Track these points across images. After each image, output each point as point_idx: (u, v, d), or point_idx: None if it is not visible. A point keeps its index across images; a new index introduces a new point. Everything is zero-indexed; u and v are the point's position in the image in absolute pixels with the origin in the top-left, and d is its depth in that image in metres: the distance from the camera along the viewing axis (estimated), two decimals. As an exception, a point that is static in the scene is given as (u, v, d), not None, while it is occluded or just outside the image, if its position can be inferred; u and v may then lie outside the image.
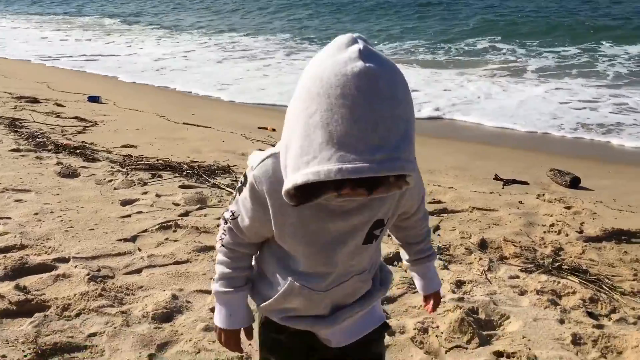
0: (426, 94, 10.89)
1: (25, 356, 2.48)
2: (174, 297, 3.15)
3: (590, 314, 3.23)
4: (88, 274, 3.29)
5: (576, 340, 2.91)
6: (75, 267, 3.42)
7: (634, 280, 3.70)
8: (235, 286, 1.58)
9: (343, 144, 1.12)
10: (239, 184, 1.47)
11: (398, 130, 1.15)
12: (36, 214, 4.27)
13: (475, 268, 3.81)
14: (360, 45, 1.16)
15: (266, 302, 1.56)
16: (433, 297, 1.83)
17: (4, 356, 2.48)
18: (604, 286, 3.55)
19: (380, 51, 1.22)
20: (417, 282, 1.83)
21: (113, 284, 3.28)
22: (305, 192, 1.22)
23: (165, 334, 2.80)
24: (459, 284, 3.53)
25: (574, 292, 3.44)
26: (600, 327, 3.06)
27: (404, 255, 1.81)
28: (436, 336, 2.88)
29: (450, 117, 9.51)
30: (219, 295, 1.60)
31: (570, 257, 4.11)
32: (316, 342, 1.62)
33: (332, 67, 1.15)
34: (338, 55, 1.17)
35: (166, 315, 2.98)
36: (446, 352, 2.77)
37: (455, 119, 9.42)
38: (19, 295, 2.99)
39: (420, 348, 2.79)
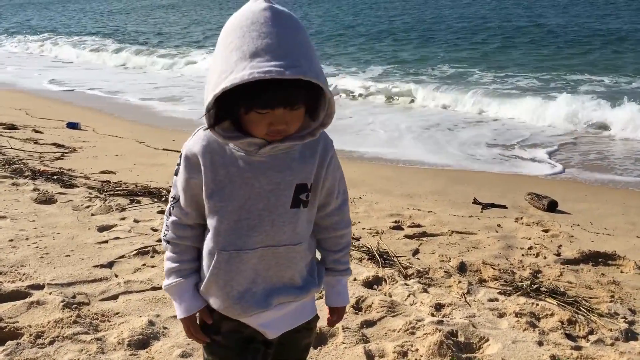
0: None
1: (-5, 385, 2.42)
2: (151, 323, 3.10)
3: (569, 336, 3.24)
4: (63, 301, 3.24)
5: (555, 362, 2.92)
6: (50, 293, 3.36)
7: (610, 301, 3.73)
8: (181, 276, 1.69)
9: (254, 56, 1.35)
10: (175, 170, 1.64)
11: (300, 51, 1.40)
12: (11, 240, 4.20)
13: (455, 291, 3.81)
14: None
15: (203, 283, 1.65)
16: (337, 311, 1.90)
17: (-27, 385, 2.41)
18: (581, 308, 3.57)
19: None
20: (325, 292, 1.89)
21: (88, 310, 3.23)
22: (230, 110, 1.45)
23: (141, 361, 2.76)
24: (438, 307, 3.53)
25: (552, 314, 3.46)
26: (578, 348, 3.07)
27: (322, 262, 1.85)
28: (416, 360, 2.87)
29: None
30: (169, 289, 1.71)
31: (549, 279, 4.13)
32: (251, 335, 1.70)
33: (242, 11, 1.43)
34: (247, 6, 1.44)
35: (142, 342, 2.93)
36: (426, 375, 2.75)
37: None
38: (-9, 322, 2.92)
39: (400, 372, 2.77)
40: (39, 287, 3.47)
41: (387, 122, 10.99)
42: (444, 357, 2.89)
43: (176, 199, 1.66)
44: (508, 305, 3.58)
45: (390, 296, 3.70)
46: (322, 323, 3.21)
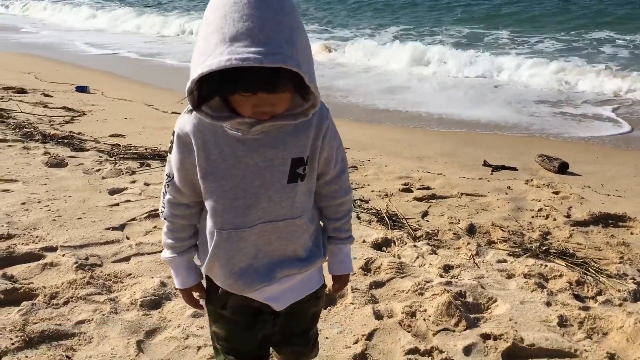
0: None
1: (13, 344, 2.47)
2: (162, 284, 3.15)
3: (577, 297, 3.26)
4: (76, 262, 3.28)
5: (562, 322, 2.94)
6: (63, 255, 3.41)
7: (620, 263, 3.73)
8: (176, 252, 1.72)
9: (233, 41, 1.29)
10: (169, 148, 1.62)
11: (283, 35, 1.32)
12: (23, 203, 4.24)
13: (464, 253, 3.83)
14: None
15: (205, 262, 1.66)
16: (340, 279, 1.89)
17: (-9, 344, 2.47)
18: (590, 269, 3.58)
19: None
20: (328, 260, 1.87)
21: (101, 272, 3.28)
22: (212, 93, 1.41)
23: (154, 321, 2.81)
24: (447, 268, 3.55)
25: (560, 275, 3.47)
26: (586, 309, 3.08)
27: (323, 229, 1.84)
28: (424, 319, 2.90)
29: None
30: (165, 260, 1.75)
31: (558, 241, 4.14)
32: (258, 308, 1.71)
33: None
34: None
35: (154, 302, 2.98)
36: (434, 335, 2.79)
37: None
38: (6, 284, 2.98)
39: (408, 331, 2.81)
40: (52, 249, 3.52)
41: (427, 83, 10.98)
42: (452, 317, 2.92)
43: (170, 177, 1.64)
44: (516, 267, 3.60)
45: (399, 258, 3.72)
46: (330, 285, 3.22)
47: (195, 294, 1.82)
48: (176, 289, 1.77)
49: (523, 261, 3.68)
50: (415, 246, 3.88)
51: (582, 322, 2.94)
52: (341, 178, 1.74)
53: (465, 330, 2.84)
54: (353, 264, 3.41)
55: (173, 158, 1.60)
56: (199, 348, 2.59)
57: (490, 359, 2.59)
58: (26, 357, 2.40)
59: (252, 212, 1.57)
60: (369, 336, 2.75)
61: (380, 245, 3.93)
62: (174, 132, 1.58)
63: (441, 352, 2.60)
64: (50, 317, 2.75)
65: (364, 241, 3.94)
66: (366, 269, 3.53)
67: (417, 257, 3.71)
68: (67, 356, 2.41)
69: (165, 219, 1.69)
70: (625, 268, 3.63)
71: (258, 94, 1.36)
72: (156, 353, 2.55)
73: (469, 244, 3.94)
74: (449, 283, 3.28)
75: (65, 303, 2.90)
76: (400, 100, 9.77)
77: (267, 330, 1.76)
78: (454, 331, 2.83)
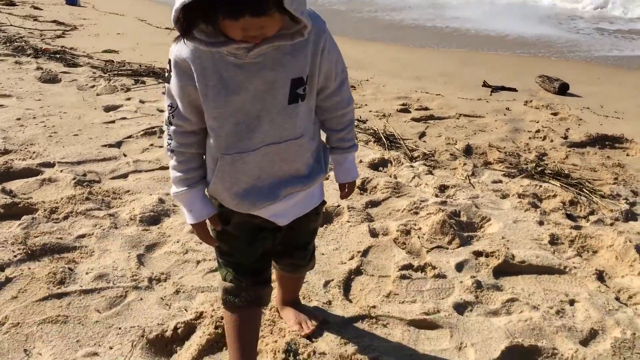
0: None
1: (15, 256, 2.52)
2: (161, 201, 3.18)
3: (569, 216, 3.31)
4: (74, 179, 3.30)
5: (554, 241, 3.00)
6: (61, 171, 3.42)
7: (614, 183, 3.77)
8: (188, 185, 1.67)
9: None
10: (166, 77, 1.58)
11: None
12: (18, 119, 4.21)
13: (459, 173, 3.85)
14: None
15: (210, 185, 1.66)
16: (347, 186, 1.92)
17: (-6, 257, 2.52)
18: (584, 189, 3.62)
19: None
20: (334, 170, 1.91)
21: (100, 188, 3.30)
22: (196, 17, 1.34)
23: (153, 236, 2.85)
24: (443, 188, 3.58)
25: (554, 196, 3.51)
26: (577, 228, 3.14)
27: (327, 141, 1.86)
28: (418, 237, 2.96)
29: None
30: (177, 196, 1.70)
31: (554, 162, 4.16)
32: (260, 224, 1.73)
33: None
34: None
35: (153, 218, 3.02)
36: (427, 252, 2.85)
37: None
38: (5, 198, 3.00)
39: (403, 248, 2.87)
40: (50, 165, 3.52)
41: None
42: (445, 235, 2.97)
43: (174, 107, 1.59)
44: (511, 187, 3.63)
45: (396, 178, 3.75)
46: (328, 203, 3.25)
47: (210, 228, 1.76)
48: (190, 225, 1.71)
49: (518, 182, 3.71)
50: (411, 166, 3.90)
51: (572, 241, 3.01)
52: (342, 90, 1.72)
53: (458, 247, 2.90)
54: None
55: (173, 87, 1.56)
56: (198, 262, 2.65)
57: (481, 274, 2.66)
58: (29, 268, 2.45)
59: (255, 136, 1.56)
60: (364, 253, 2.81)
61: (377, 165, 3.95)
62: (170, 60, 1.53)
63: (434, 268, 2.67)
64: (50, 230, 2.79)
65: (360, 161, 3.95)
66: (362, 188, 3.57)
67: (413, 177, 3.73)
68: (69, 268, 2.47)
69: (172, 151, 1.64)
70: (619, 189, 3.67)
71: (242, 19, 1.31)
72: (156, 267, 2.60)
73: (465, 164, 3.96)
74: (444, 202, 3.32)
75: (65, 218, 2.93)
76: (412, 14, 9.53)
77: (268, 245, 1.81)
78: (447, 248, 2.89)
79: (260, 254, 1.79)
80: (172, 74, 1.54)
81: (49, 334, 2.07)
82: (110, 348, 2.04)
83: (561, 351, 2.15)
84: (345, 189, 1.93)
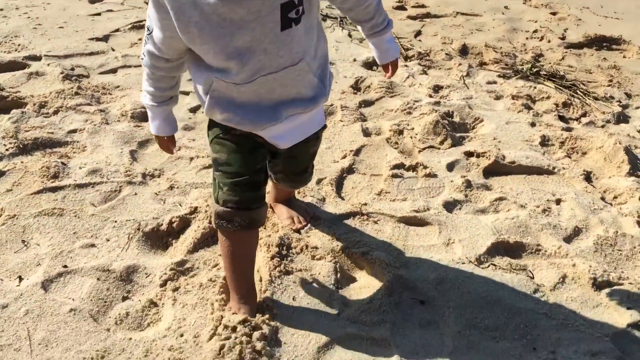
0: None
1: (7, 150, 2.51)
2: (152, 96, 3.14)
3: (562, 118, 3.32)
4: (62, 73, 3.23)
5: (544, 142, 3.03)
6: (48, 65, 3.34)
7: (608, 86, 3.75)
8: (157, 102, 1.71)
9: None
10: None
11: None
12: (1, 9, 4.05)
13: (454, 73, 3.81)
14: None
15: (205, 107, 1.61)
16: (390, 65, 1.90)
17: (-14, 151, 2.51)
18: (578, 91, 3.60)
19: None
20: (374, 53, 1.89)
21: (89, 83, 3.24)
22: None
23: (145, 132, 2.84)
24: (437, 88, 3.55)
25: (548, 97, 3.50)
26: (569, 129, 3.16)
27: (360, 31, 1.84)
28: (410, 137, 2.96)
29: None
30: (146, 106, 1.75)
31: (550, 63, 4.11)
32: (260, 142, 1.68)
33: None
34: None
35: (145, 115, 2.98)
36: (419, 151, 2.87)
37: None
38: (-7, 92, 2.95)
39: (395, 148, 2.88)
40: (36, 58, 3.43)
41: None
42: (438, 135, 2.98)
43: (150, 30, 1.52)
44: (506, 88, 3.61)
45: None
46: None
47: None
48: (152, 134, 1.79)
49: (513, 83, 3.68)
50: (406, 66, 3.84)
51: (563, 142, 3.03)
52: None
53: (449, 148, 2.92)
54: (345, 82, 3.41)
55: (151, 14, 1.48)
56: (191, 159, 2.66)
57: (471, 174, 2.69)
58: (22, 162, 2.45)
59: (249, 68, 1.48)
60: (357, 152, 2.82)
61: (371, 64, 3.88)
62: None
63: (425, 167, 2.70)
64: (41, 125, 2.76)
65: (354, 60, 3.88)
66: (356, 87, 3.53)
67: (408, 77, 3.69)
68: (62, 162, 2.47)
69: (145, 66, 1.63)
70: (613, 91, 3.66)
71: None
72: (150, 163, 2.61)
73: (460, 64, 3.90)
74: (437, 103, 3.31)
75: (55, 112, 2.90)
76: None
77: (264, 164, 1.76)
78: (439, 149, 2.91)
79: (258, 168, 1.71)
80: (151, 1, 1.46)
81: (45, 226, 2.11)
82: (107, 240, 2.08)
83: (545, 247, 2.23)
84: (389, 69, 1.90)
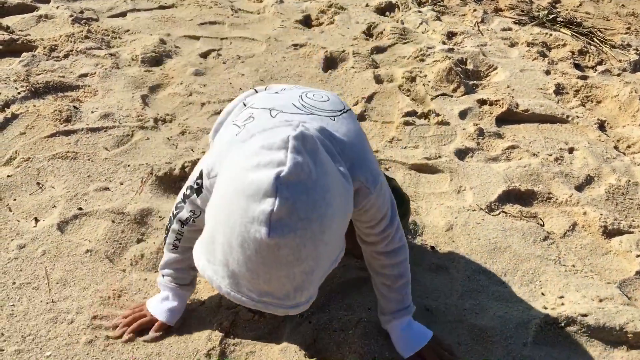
0: None
1: (19, 93, 2.51)
2: (162, 41, 3.10)
3: (577, 66, 3.27)
4: (71, 16, 3.19)
5: (559, 90, 2.99)
6: (57, 8, 3.30)
7: (626, 33, 3.68)
8: (180, 284, 1.58)
9: (235, 278, 1.11)
10: (194, 185, 1.38)
11: (292, 284, 1.10)
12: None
13: (469, 20, 3.73)
14: (275, 204, 1.02)
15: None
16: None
17: (-2, 94, 2.51)
18: (595, 39, 3.53)
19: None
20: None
21: (98, 26, 3.20)
22: None
23: (156, 77, 2.82)
24: (450, 35, 3.49)
25: (564, 45, 3.44)
26: (584, 78, 3.11)
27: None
28: (423, 85, 2.93)
29: None
30: (164, 285, 1.59)
31: (567, 9, 4.02)
32: None
33: (239, 212, 1.05)
34: (251, 201, 1.04)
35: (155, 59, 2.96)
36: (432, 99, 2.84)
37: None
38: (3, 34, 2.92)
39: (407, 95, 2.86)
40: (45, 0, 3.38)
41: None
42: (451, 82, 2.95)
43: (196, 214, 1.43)
44: (521, 35, 3.54)
45: (403, 23, 3.63)
46: (332, 47, 3.17)
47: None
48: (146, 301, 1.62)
49: (528, 30, 3.61)
50: (419, 12, 3.76)
51: (578, 91, 2.99)
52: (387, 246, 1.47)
53: (462, 95, 2.89)
54: (357, 28, 3.30)
55: (201, 202, 1.37)
56: (202, 105, 2.65)
57: (484, 122, 2.68)
58: (34, 106, 2.45)
59: None
60: (369, 99, 2.80)
61: (384, 9, 3.81)
62: (202, 179, 1.33)
63: (438, 115, 2.68)
64: (52, 69, 2.75)
65: (367, 5, 3.81)
66: (368, 33, 3.47)
67: (421, 23, 3.62)
68: (74, 106, 2.47)
69: (175, 247, 1.52)
70: (630, 39, 3.59)
71: None
72: (161, 108, 2.61)
73: (475, 10, 3.82)
74: (450, 50, 3.25)
75: (66, 56, 2.88)
76: None
77: None
78: (451, 96, 2.89)
79: None
80: (199, 197, 1.36)
81: (60, 169, 2.12)
82: (121, 184, 2.10)
83: (556, 195, 2.23)
84: None
